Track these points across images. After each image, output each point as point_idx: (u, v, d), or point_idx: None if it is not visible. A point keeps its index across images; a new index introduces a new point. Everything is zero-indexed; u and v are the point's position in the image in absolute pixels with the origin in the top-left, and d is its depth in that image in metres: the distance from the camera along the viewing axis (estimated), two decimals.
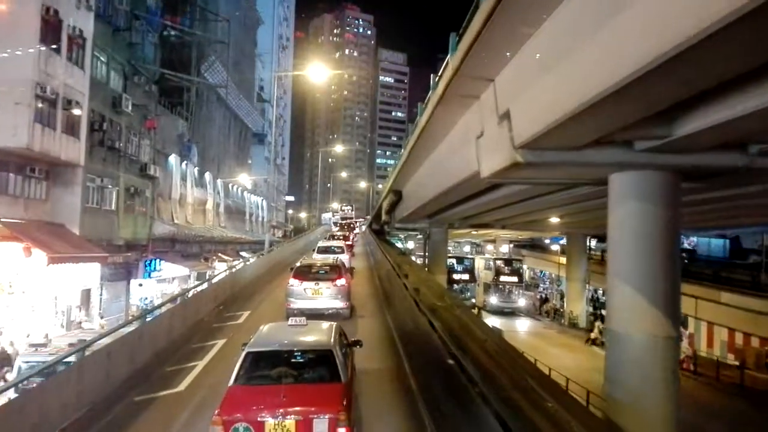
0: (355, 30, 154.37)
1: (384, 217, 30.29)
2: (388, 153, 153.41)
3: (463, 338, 10.68)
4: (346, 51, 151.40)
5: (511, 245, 47.66)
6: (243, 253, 43.32)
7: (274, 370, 6.04)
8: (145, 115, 25.24)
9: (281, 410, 5.33)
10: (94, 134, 20.70)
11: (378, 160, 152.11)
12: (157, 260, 26.86)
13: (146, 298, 27.20)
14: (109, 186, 21.93)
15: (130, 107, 22.66)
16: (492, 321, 29.25)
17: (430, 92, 12.12)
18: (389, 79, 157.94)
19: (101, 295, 23.20)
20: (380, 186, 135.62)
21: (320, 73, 27.85)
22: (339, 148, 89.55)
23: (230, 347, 10.47)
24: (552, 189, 12.58)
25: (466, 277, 40.41)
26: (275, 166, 69.66)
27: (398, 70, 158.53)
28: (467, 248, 58.31)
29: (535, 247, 44.31)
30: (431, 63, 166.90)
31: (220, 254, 36.32)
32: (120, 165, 22.89)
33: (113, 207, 22.53)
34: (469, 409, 5.83)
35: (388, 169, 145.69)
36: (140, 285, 26.07)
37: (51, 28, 17.46)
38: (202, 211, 34.18)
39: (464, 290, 40.69)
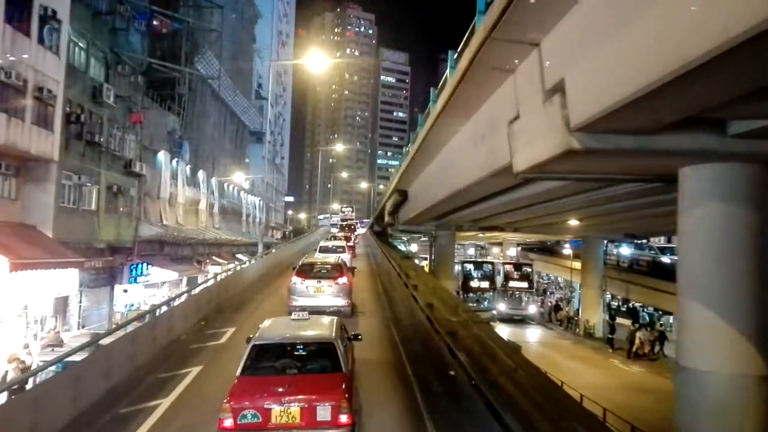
0: (357, 29, 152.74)
1: (387, 218, 28.37)
2: (389, 153, 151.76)
3: (489, 367, 8.85)
4: (347, 50, 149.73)
5: (519, 248, 45.55)
6: (239, 256, 41.49)
7: (279, 362, 6.31)
8: (131, 107, 23.39)
9: (287, 398, 5.59)
10: (70, 127, 18.84)
11: (379, 161, 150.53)
12: (144, 264, 25.06)
13: (132, 305, 25.41)
14: (88, 184, 20.08)
15: (112, 98, 20.81)
16: (501, 330, 27.37)
17: (447, 73, 10.26)
18: (390, 79, 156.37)
19: (80, 302, 21.38)
20: (381, 187, 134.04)
21: (319, 62, 25.93)
22: (339, 147, 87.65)
23: (206, 377, 8.62)
24: (592, 186, 10.69)
25: (485, 284, 34.93)
26: (274, 166, 67.91)
27: (400, 69, 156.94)
28: (471, 251, 56.35)
29: (545, 250, 42.25)
30: (433, 63, 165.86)
31: (214, 257, 34.47)
32: (101, 161, 21.03)
33: (93, 207, 20.67)
34: None
35: (390, 170, 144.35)
36: (125, 291, 24.23)
37: (18, 6, 15.62)
38: (194, 211, 32.33)
39: (481, 299, 34.67)
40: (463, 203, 15.84)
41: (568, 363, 21.98)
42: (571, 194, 12.63)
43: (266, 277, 20.11)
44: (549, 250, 41.40)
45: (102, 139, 20.78)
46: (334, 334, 6.70)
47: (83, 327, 21.08)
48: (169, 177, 27.72)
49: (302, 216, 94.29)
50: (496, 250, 50.48)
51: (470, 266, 35.93)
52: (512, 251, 44.78)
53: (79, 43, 19.50)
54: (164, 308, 10.87)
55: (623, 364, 22.82)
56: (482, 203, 15.78)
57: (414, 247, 44.46)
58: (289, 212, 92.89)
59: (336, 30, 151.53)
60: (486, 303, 34.31)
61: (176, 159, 28.93)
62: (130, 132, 23.58)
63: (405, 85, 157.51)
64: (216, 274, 14.51)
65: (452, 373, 7.25)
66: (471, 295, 34.41)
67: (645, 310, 35.82)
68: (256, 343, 6.50)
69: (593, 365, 22.48)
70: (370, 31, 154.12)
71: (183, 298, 12.22)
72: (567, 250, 35.13)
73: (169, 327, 10.36)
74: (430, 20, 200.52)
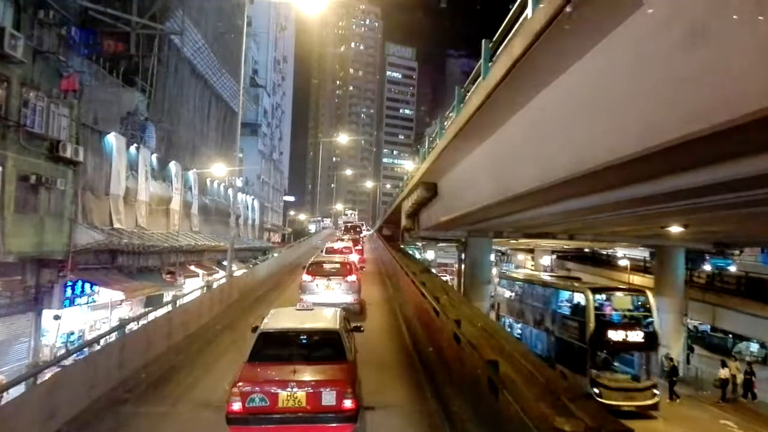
0: (361, 22, 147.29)
1: (404, 221, 21.91)
2: (395, 152, 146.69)
3: None
4: (352, 44, 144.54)
5: (554, 256, 38.65)
6: (227, 264, 35.49)
7: (286, 349, 6.50)
8: (60, 70, 17.24)
9: (293, 383, 5.74)
10: None
11: (384, 160, 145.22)
12: (86, 282, 19.05)
13: (72, 334, 19.41)
14: None
15: (22, 51, 14.62)
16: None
17: None
18: (397, 75, 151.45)
19: None
20: (388, 186, 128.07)
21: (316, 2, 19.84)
22: (343, 138, 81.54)
23: None
24: None
25: (637, 336, 17.88)
26: (271, 162, 61.80)
27: (406, 65, 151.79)
28: (492, 257, 49.64)
29: (585, 258, 35.39)
30: (441, 59, 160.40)
31: (191, 267, 28.43)
32: (7, 140, 14.87)
33: None
34: None
35: (396, 169, 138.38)
36: (56, 317, 18.15)
37: None
38: (163, 211, 26.18)
39: (622, 363, 19.10)
40: (551, 200, 9.55)
41: (669, 428, 15.43)
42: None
43: (231, 313, 13.67)
44: (591, 259, 34.70)
45: (6, 110, 14.63)
46: (338, 324, 6.84)
47: None
48: (125, 167, 21.53)
49: (302, 217, 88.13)
50: (521, 257, 44.03)
51: (604, 298, 18.40)
52: (546, 260, 38.12)
53: None
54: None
55: (744, 429, 16.23)
56: (575, 200, 9.55)
57: (430, 254, 37.92)
58: (291, 212, 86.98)
59: (340, 23, 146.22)
60: (625, 368, 18.80)
61: (136, 145, 22.74)
62: (61, 104, 17.39)
63: (412, 81, 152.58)
64: (122, 323, 8.35)
65: None
66: (604, 354, 18.34)
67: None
68: (264, 330, 6.62)
69: None
70: (376, 24, 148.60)
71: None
72: (623, 260, 28.39)
73: None
74: (438, 15, 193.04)
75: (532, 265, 38.71)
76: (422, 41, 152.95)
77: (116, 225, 20.85)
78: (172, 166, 26.85)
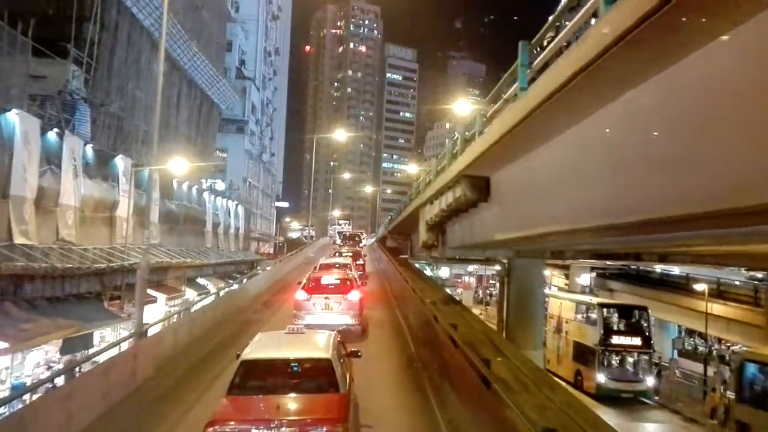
0: (361, 22, 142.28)
1: (424, 235, 15.44)
2: (395, 156, 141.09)
3: None
4: (351, 45, 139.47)
5: (593, 274, 31.94)
6: (203, 281, 29.46)
7: (270, 380, 5.98)
8: None
9: (276, 421, 5.16)
10: None
11: (384, 164, 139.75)
12: None
13: None
14: None
15: None
16: (606, 417, 14.38)
17: None
18: (397, 77, 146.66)
19: None
20: (388, 191, 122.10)
21: None
22: (341, 135, 75.32)
23: None
24: None
25: None
26: (261, 164, 55.84)
27: (407, 66, 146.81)
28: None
29: (632, 278, 28.51)
30: (442, 61, 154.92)
31: (149, 290, 22.06)
32: None
33: None
34: None
35: (397, 174, 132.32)
36: None
37: None
38: (105, 219, 20.10)
39: None
40: None
41: None
42: None
43: (125, 411, 6.85)
44: (639, 278, 28.09)
45: None
46: (330, 351, 6.23)
47: None
48: (38, 159, 15.43)
49: (296, 225, 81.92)
50: (547, 272, 37.64)
51: None
52: (584, 278, 31.51)
53: None
54: None
55: None
56: None
57: (444, 272, 31.64)
58: (287, 219, 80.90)
59: (338, 23, 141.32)
60: None
61: (58, 131, 16.66)
62: None
63: (412, 83, 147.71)
64: None
65: None
66: None
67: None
68: (246, 359, 6.07)
69: None
70: (375, 25, 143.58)
71: None
72: (699, 285, 21.96)
73: None
74: (439, 15, 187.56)
75: (566, 284, 32.50)
76: (423, 42, 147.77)
77: (19, 240, 14.68)
78: (120, 161, 20.74)
